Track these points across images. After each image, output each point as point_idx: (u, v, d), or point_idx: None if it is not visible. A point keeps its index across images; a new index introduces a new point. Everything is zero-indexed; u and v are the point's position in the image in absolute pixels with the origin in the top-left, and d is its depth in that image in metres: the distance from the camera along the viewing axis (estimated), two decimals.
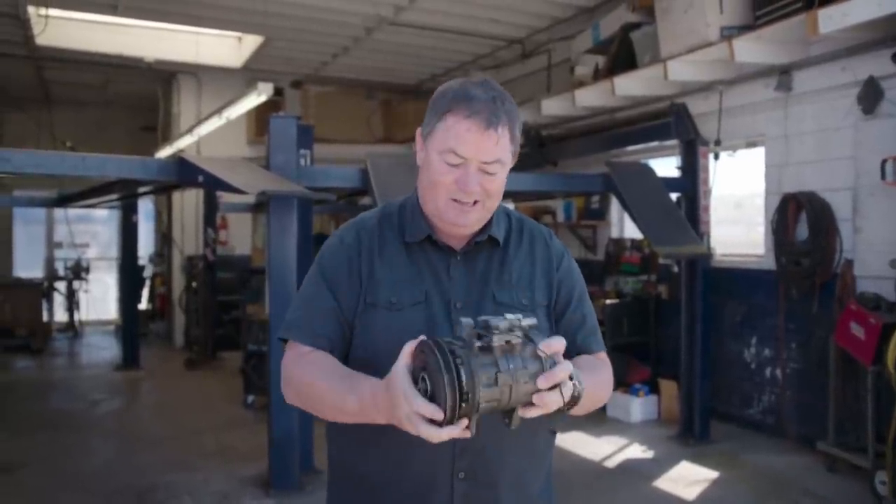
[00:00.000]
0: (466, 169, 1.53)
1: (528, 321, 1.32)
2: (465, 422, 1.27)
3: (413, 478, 1.56)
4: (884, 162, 5.09)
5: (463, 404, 1.25)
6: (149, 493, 5.24)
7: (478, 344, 1.28)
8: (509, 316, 1.31)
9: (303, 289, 1.68)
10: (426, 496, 1.56)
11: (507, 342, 1.29)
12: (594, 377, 1.57)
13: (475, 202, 1.56)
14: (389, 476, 1.58)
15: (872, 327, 5.00)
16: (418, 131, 1.62)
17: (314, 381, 1.53)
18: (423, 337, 1.33)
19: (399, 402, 1.30)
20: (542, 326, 1.46)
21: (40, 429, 6.93)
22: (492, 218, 1.66)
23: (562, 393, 1.32)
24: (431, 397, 1.28)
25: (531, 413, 1.33)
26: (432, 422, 1.27)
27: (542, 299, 1.66)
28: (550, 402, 1.31)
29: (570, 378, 1.36)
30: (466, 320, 1.30)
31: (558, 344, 1.33)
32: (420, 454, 1.54)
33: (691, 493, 5.28)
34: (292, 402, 1.62)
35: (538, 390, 1.30)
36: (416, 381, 1.31)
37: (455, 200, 1.55)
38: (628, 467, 5.89)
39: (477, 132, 1.51)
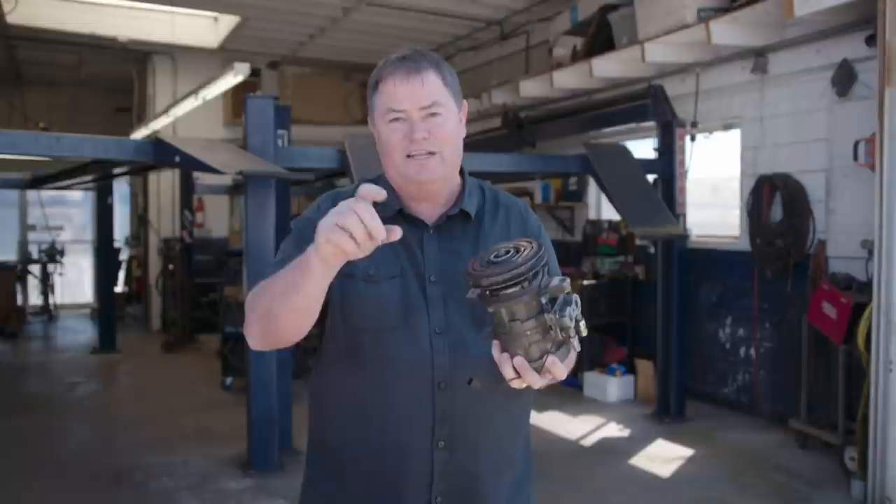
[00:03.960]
0: (410, 121, 1.57)
1: (578, 334, 1.33)
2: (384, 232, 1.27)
3: (393, 447, 1.57)
4: (856, 144, 5.15)
5: (489, 292, 1.30)
6: (127, 475, 5.23)
7: (544, 300, 1.30)
8: (579, 314, 1.31)
9: (280, 249, 1.65)
10: (406, 465, 1.57)
11: (549, 328, 1.30)
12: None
13: (431, 153, 1.57)
14: (370, 448, 1.59)
15: (844, 307, 5.08)
16: (369, 121, 1.67)
17: (267, 284, 1.46)
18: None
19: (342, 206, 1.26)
20: None
21: (17, 412, 6.88)
22: (464, 191, 1.67)
23: (515, 381, 1.35)
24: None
25: (494, 353, 1.35)
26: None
27: None
28: (505, 372, 1.34)
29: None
30: (566, 284, 1.31)
31: (558, 373, 1.35)
32: (400, 425, 1.57)
33: (667, 470, 5.37)
34: (253, 334, 1.50)
35: (526, 364, 1.33)
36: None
37: (410, 156, 1.57)
38: (605, 446, 5.97)
39: (402, 82, 1.56)
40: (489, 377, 1.40)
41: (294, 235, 1.65)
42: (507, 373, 1.34)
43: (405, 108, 1.56)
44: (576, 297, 1.32)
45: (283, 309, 1.40)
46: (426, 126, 1.56)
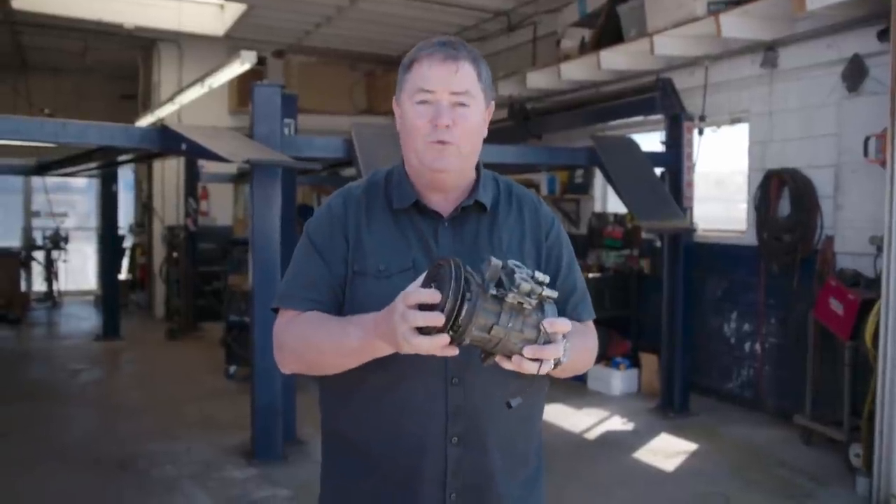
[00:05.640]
0: (438, 104, 1.57)
1: (550, 293, 1.32)
2: (447, 339, 1.29)
3: (407, 444, 1.56)
4: (867, 139, 5.11)
5: (452, 332, 1.27)
6: (130, 462, 5.24)
7: (492, 292, 1.29)
8: (538, 275, 1.31)
9: (294, 259, 1.68)
10: (420, 461, 1.56)
11: (520, 303, 1.29)
12: (580, 345, 1.58)
13: (450, 143, 1.57)
14: (383, 444, 1.58)
15: (851, 303, 5.06)
16: (394, 100, 1.67)
17: (310, 331, 1.54)
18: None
19: (397, 302, 1.32)
20: None
21: (20, 399, 6.89)
22: (478, 183, 1.66)
23: (540, 367, 1.34)
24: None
25: (506, 365, 1.35)
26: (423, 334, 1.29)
27: (531, 266, 1.66)
28: (527, 368, 1.34)
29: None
30: (496, 261, 1.31)
31: (562, 326, 1.35)
32: (413, 420, 1.55)
33: (670, 464, 5.36)
34: (288, 365, 1.61)
35: (521, 355, 1.33)
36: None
37: (430, 143, 1.57)
38: (609, 439, 5.96)
39: (438, 65, 1.56)
40: (514, 381, 1.41)
41: (308, 244, 1.65)
42: (533, 369, 1.34)
43: (436, 89, 1.56)
44: (511, 262, 1.32)
45: (336, 361, 1.53)
46: (452, 114, 1.56)
